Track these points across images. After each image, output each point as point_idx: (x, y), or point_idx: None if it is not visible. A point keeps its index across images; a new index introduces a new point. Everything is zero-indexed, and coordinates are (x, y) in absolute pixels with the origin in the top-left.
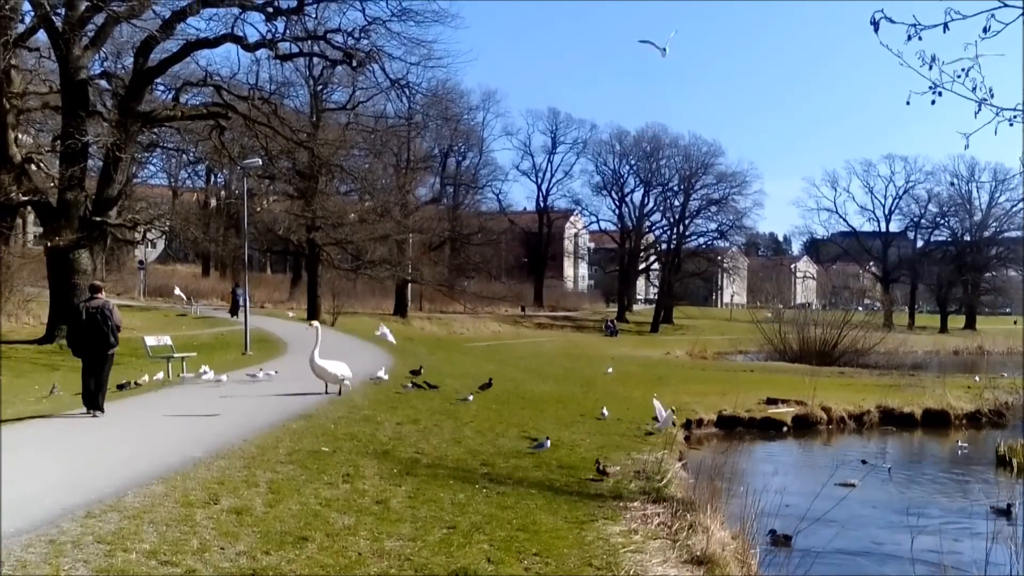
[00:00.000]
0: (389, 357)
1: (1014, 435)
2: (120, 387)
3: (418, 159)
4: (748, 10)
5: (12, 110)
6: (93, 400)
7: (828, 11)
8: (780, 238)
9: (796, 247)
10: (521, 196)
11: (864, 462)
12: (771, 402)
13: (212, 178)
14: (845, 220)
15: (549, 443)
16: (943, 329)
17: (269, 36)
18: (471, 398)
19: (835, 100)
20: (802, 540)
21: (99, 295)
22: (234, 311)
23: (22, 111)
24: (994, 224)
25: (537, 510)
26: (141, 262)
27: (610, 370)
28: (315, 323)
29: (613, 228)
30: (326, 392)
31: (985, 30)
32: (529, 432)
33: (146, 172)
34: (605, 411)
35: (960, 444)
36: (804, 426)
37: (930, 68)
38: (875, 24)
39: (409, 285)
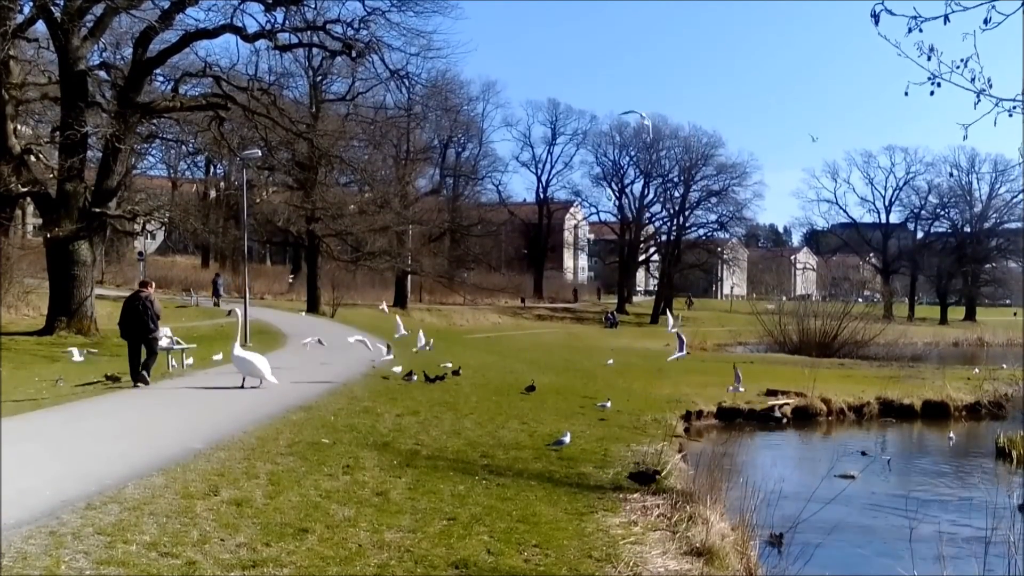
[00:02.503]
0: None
1: (1014, 427)
2: (109, 378)
3: (418, 150)
4: (748, 3)
5: (11, 101)
6: (140, 374)
7: (828, 5)
8: (780, 229)
9: (796, 238)
10: (521, 187)
11: (864, 453)
12: (771, 393)
13: (211, 169)
14: (845, 211)
15: (569, 438)
16: (943, 320)
17: (268, 26)
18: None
19: (835, 91)
20: (801, 532)
21: (145, 290)
22: (216, 299)
23: (21, 102)
24: (994, 215)
25: (537, 501)
26: (140, 253)
27: (610, 361)
28: (236, 310)
29: (613, 219)
30: (242, 386)
31: (986, 21)
32: (529, 423)
33: (145, 163)
34: (607, 403)
35: (950, 435)
36: (804, 418)
37: (929, 59)
38: (875, 17)
39: (409, 276)
